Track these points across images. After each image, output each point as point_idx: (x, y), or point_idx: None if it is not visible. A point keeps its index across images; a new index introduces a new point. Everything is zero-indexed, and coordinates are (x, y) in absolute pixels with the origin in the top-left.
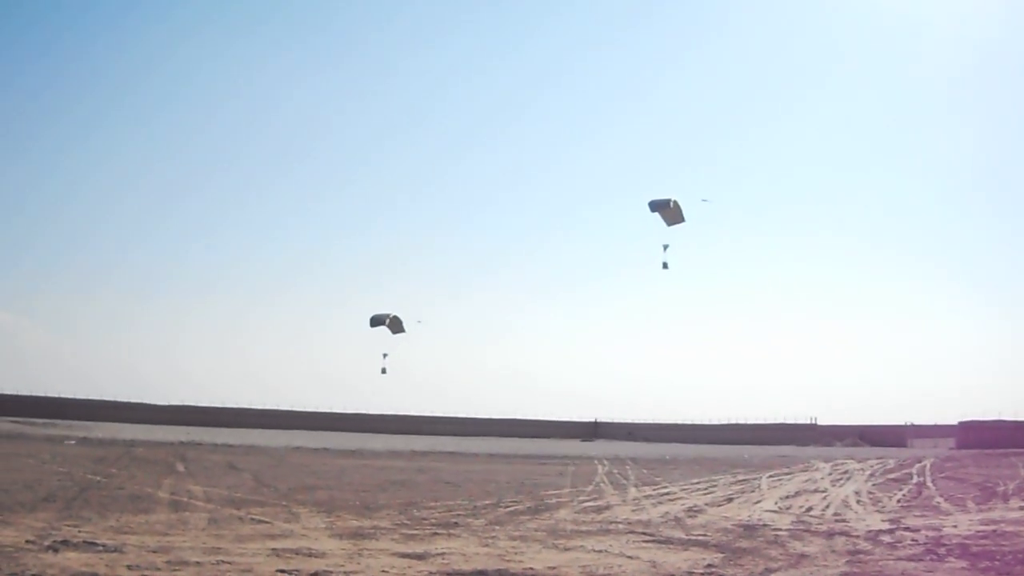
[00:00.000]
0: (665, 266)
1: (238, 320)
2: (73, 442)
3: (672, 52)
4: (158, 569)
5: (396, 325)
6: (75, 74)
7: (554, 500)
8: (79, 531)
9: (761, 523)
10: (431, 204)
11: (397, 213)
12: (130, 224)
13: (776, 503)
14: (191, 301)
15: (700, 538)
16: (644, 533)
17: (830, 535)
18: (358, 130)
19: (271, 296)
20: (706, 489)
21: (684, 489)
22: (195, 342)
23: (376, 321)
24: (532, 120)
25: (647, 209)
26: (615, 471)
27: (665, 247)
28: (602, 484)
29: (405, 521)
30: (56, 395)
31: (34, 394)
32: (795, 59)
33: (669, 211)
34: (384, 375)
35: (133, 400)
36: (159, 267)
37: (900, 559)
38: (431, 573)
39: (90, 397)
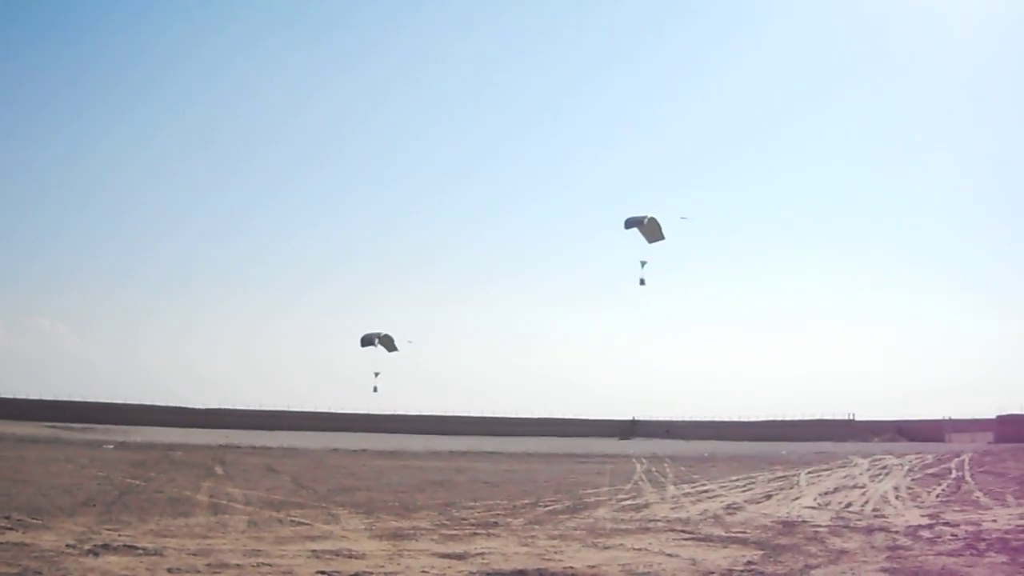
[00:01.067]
0: (642, 282)
1: (275, 322)
2: (111, 446)
3: (696, 58)
4: (198, 572)
5: (388, 343)
6: (91, 75)
7: (593, 499)
8: (119, 535)
9: (800, 519)
10: (465, 203)
11: (429, 212)
12: (160, 226)
13: (815, 499)
14: (224, 303)
15: (740, 535)
16: (683, 531)
17: (869, 531)
18: (383, 130)
19: (306, 296)
20: (745, 486)
21: (723, 486)
22: (231, 345)
23: (366, 341)
24: (573, 116)
25: (637, 224)
26: (653, 469)
27: (643, 264)
28: (640, 482)
29: (444, 521)
30: (93, 400)
31: (72, 399)
32: (819, 58)
33: (646, 228)
34: (376, 393)
35: (171, 404)
36: (191, 269)
37: (940, 554)
38: (471, 573)
39: (127, 401)
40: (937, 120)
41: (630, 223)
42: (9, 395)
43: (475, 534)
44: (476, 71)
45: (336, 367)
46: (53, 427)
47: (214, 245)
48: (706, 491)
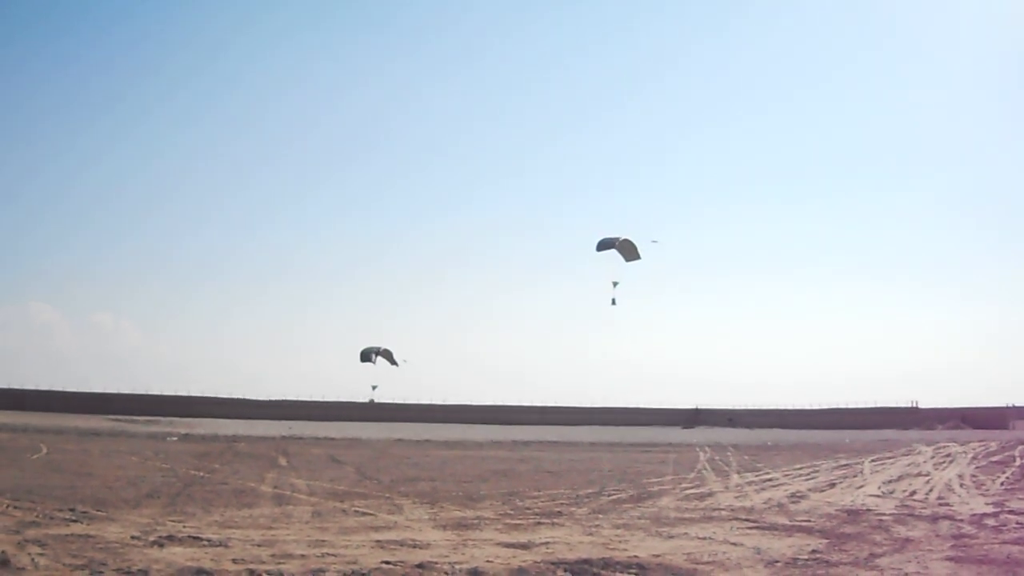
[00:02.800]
0: (614, 302)
1: (336, 314)
2: (175, 438)
3: (688, 36)
4: (263, 562)
5: (388, 357)
6: (134, 69)
7: (656, 488)
8: (184, 526)
9: (865, 508)
10: (522, 193)
11: (486, 201)
12: (232, 221)
13: (879, 488)
14: (284, 299)
15: (804, 524)
16: (748, 519)
17: (934, 519)
18: (429, 122)
19: (364, 286)
20: (808, 475)
21: (786, 475)
22: (294, 337)
23: (364, 357)
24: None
25: (610, 246)
26: (717, 458)
27: (615, 284)
28: (704, 471)
29: (508, 511)
30: (157, 393)
31: (135, 392)
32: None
33: (623, 247)
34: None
35: (234, 396)
36: (260, 264)
37: (1005, 543)
38: (535, 563)
39: (190, 394)
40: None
41: (602, 245)
42: (74, 389)
43: (539, 523)
44: (456, 55)
45: (400, 357)
46: (117, 420)
47: (289, 248)
48: (770, 480)
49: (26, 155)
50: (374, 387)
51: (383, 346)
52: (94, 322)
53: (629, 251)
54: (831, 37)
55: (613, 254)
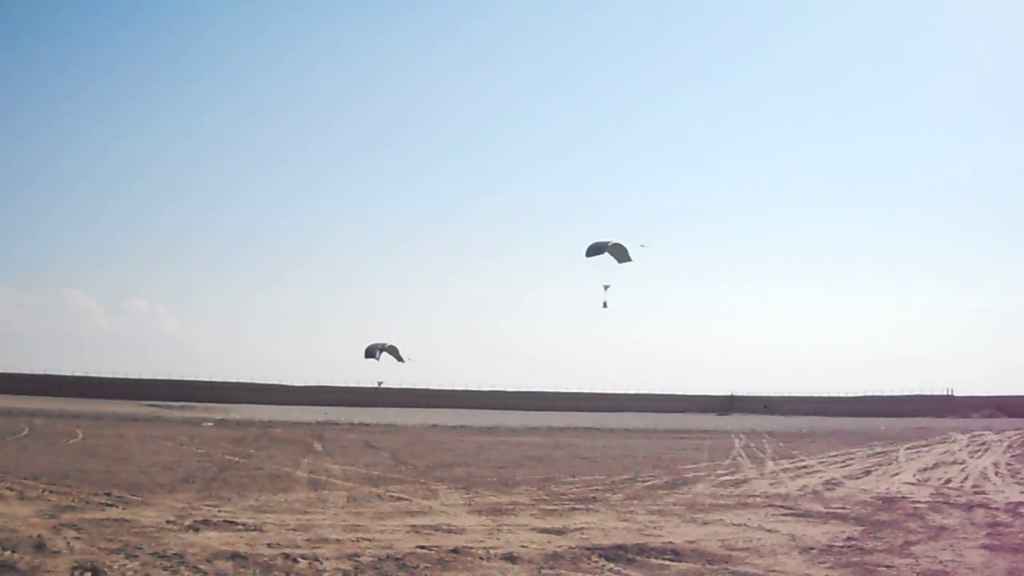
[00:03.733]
0: (605, 305)
1: (370, 300)
2: (211, 424)
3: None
4: (298, 547)
5: (394, 353)
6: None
7: (691, 474)
8: (219, 511)
9: (900, 496)
10: (552, 183)
11: (515, 189)
12: (260, 209)
13: (914, 475)
14: (318, 283)
15: (839, 511)
16: (783, 507)
17: (969, 507)
18: (473, 102)
19: (401, 276)
20: (844, 462)
21: (821, 462)
22: (329, 322)
23: (369, 353)
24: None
25: (600, 251)
26: (752, 444)
27: (606, 287)
28: (739, 458)
29: (543, 497)
30: (192, 379)
31: (171, 378)
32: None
33: (615, 250)
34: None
35: (269, 382)
36: (286, 252)
37: None
38: (570, 548)
39: (225, 379)
40: None
41: (593, 250)
42: (109, 375)
43: (574, 509)
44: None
45: (435, 342)
46: (152, 406)
47: (325, 226)
48: (805, 467)
49: (57, 144)
50: (380, 383)
51: (388, 342)
52: (129, 308)
53: (620, 253)
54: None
55: (603, 258)
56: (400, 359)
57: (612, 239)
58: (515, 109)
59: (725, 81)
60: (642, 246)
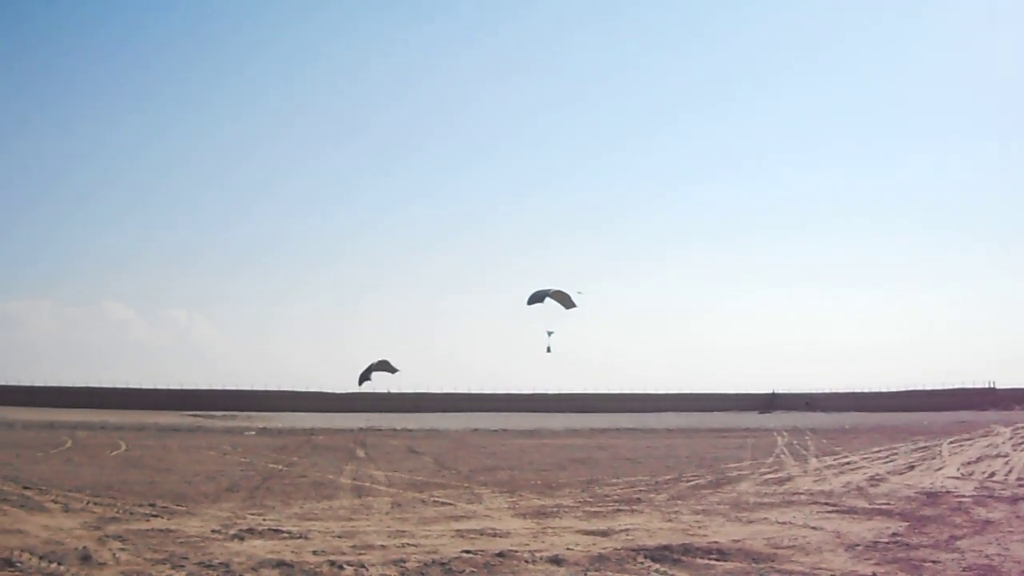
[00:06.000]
0: (549, 350)
1: (413, 306)
2: (253, 433)
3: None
4: (343, 554)
5: (386, 368)
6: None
7: (735, 473)
8: (263, 519)
9: (944, 490)
10: (598, 187)
11: (556, 193)
12: (290, 213)
13: (958, 469)
14: (352, 287)
15: (883, 507)
16: (827, 503)
17: (1014, 500)
18: (514, 103)
19: (434, 279)
20: (887, 457)
21: (865, 458)
22: (364, 327)
23: (362, 381)
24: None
25: (541, 300)
26: (795, 442)
27: (550, 333)
28: (782, 455)
29: (587, 498)
30: (233, 388)
31: (212, 388)
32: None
33: (560, 298)
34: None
35: (311, 389)
36: (319, 256)
37: None
38: (616, 550)
39: (267, 388)
40: None
41: (533, 298)
42: (150, 386)
43: (618, 510)
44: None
45: (474, 346)
46: (195, 416)
47: (353, 236)
48: (848, 463)
49: (89, 155)
50: (388, 390)
51: (375, 360)
52: (168, 318)
53: (563, 300)
54: None
55: (547, 304)
56: (393, 370)
57: (553, 287)
58: (544, 112)
59: (778, 78)
60: (579, 292)
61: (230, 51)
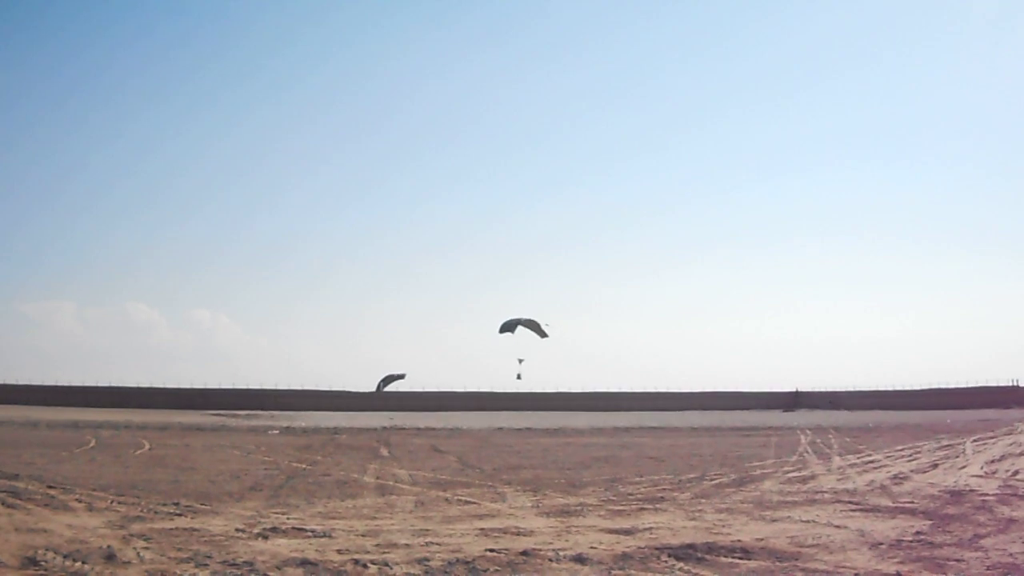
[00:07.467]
0: (519, 377)
1: (435, 304)
2: (276, 432)
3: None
4: (367, 552)
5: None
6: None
7: (759, 471)
8: (287, 518)
9: (968, 488)
10: (627, 188)
11: (586, 193)
12: (319, 215)
13: (982, 468)
14: (373, 286)
15: (907, 505)
16: (850, 502)
17: None
18: (542, 102)
19: (460, 278)
20: (910, 456)
21: (888, 456)
22: (387, 326)
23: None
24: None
25: (512, 329)
26: (818, 440)
27: (520, 361)
28: (806, 454)
29: (611, 497)
30: (257, 387)
31: (235, 387)
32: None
33: (532, 327)
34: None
35: (334, 388)
36: (341, 259)
37: None
38: (639, 548)
39: (290, 387)
40: None
41: (505, 327)
42: (173, 385)
43: (642, 509)
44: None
45: (496, 346)
46: (218, 415)
47: (370, 236)
48: (872, 461)
49: (111, 159)
50: (391, 417)
51: (393, 372)
52: (191, 318)
53: (535, 328)
54: None
55: (519, 333)
56: (401, 376)
57: (524, 315)
58: (576, 114)
59: (821, 78)
60: (547, 324)
61: (248, 51)
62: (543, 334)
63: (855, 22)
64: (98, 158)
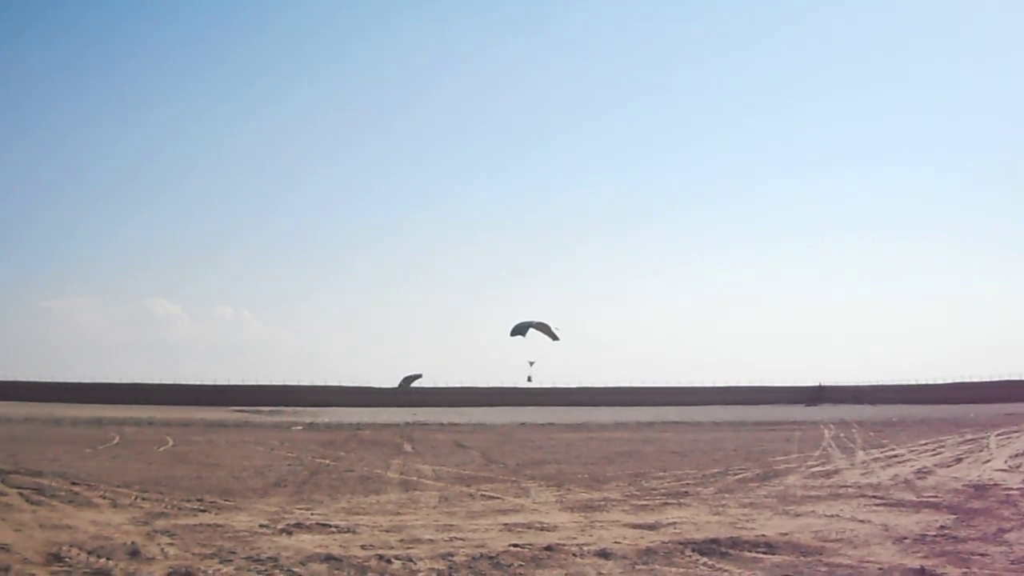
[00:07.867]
0: (529, 380)
1: (456, 299)
2: (300, 428)
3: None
4: (391, 548)
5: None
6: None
7: (782, 466)
8: (311, 514)
9: (992, 483)
10: (646, 183)
11: (602, 190)
12: (339, 210)
13: (1006, 462)
14: (392, 282)
15: (931, 500)
16: (874, 496)
17: None
18: (568, 96)
19: (482, 273)
20: (934, 450)
21: (912, 451)
22: (411, 322)
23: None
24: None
25: (523, 331)
26: (842, 435)
27: (531, 363)
28: (829, 448)
29: (635, 492)
30: (280, 383)
31: (258, 383)
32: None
33: (544, 329)
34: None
35: (358, 384)
36: (362, 255)
37: None
38: (663, 543)
39: (313, 383)
40: None
41: (517, 330)
42: (196, 382)
43: (666, 504)
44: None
45: (514, 344)
46: (242, 411)
47: (390, 231)
48: (895, 456)
49: (131, 154)
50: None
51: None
52: (213, 314)
53: (547, 331)
54: None
55: (531, 335)
56: (418, 376)
57: (536, 319)
58: (598, 108)
59: (842, 78)
60: (557, 328)
61: (262, 46)
62: (554, 337)
63: (867, 30)
64: (118, 154)
